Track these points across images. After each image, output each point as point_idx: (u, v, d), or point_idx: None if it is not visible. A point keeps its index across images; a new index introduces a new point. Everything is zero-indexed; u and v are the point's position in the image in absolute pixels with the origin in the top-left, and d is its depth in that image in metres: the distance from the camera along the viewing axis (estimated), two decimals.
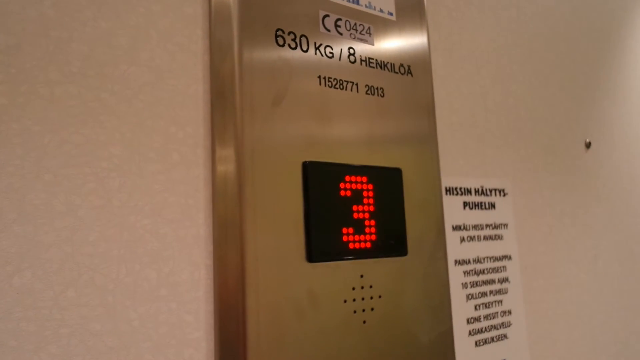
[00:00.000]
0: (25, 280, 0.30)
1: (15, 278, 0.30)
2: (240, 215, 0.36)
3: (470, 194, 0.59)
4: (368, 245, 0.42)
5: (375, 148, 0.45)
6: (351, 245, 0.41)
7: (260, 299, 0.36)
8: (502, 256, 0.61)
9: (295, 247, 0.38)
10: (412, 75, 0.49)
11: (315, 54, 0.42)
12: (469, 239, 0.58)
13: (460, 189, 0.58)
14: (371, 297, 0.42)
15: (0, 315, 0.29)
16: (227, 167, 0.37)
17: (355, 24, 0.46)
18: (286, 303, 0.37)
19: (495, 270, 0.60)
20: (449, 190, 0.56)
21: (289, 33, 0.41)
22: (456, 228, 0.56)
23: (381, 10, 0.48)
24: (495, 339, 0.58)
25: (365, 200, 0.43)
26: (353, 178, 0.42)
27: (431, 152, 0.50)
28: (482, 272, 0.58)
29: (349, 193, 0.42)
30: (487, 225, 0.60)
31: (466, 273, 0.56)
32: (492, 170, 0.63)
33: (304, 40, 0.42)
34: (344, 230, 0.41)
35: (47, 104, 0.32)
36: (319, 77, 0.42)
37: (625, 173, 0.89)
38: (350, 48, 0.45)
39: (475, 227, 0.59)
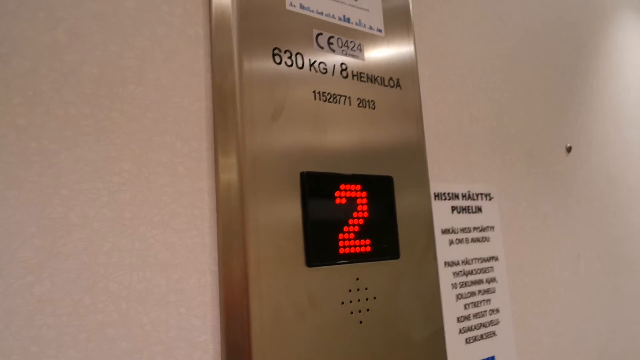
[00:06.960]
0: (45, 289, 0.32)
1: (36, 287, 0.32)
2: (243, 224, 0.39)
3: (458, 198, 0.62)
4: (363, 249, 0.45)
5: (368, 158, 0.48)
6: (347, 250, 0.44)
7: (263, 302, 0.38)
8: (490, 257, 0.64)
9: (294, 252, 0.41)
10: (400, 88, 0.52)
11: (310, 70, 0.45)
12: (457, 241, 0.60)
13: (448, 194, 0.61)
14: (367, 299, 0.45)
15: (23, 323, 0.31)
16: (229, 178, 0.40)
17: (347, 40, 0.49)
18: (288, 305, 0.39)
19: (483, 270, 0.63)
20: (438, 196, 0.59)
21: (285, 51, 0.44)
22: (445, 231, 0.59)
23: (370, 27, 0.51)
24: (484, 336, 0.61)
25: (359, 207, 0.45)
26: (347, 186, 0.45)
27: (420, 159, 0.53)
28: (471, 272, 0.61)
29: (344, 201, 0.44)
30: (474, 228, 0.63)
31: (455, 274, 0.59)
32: (478, 176, 0.66)
33: (299, 57, 0.45)
34: (340, 235, 0.43)
35: (63, 124, 0.34)
36: (314, 91, 0.45)
37: (604, 175, 0.93)
38: (342, 64, 0.48)
39: (463, 230, 0.62)
